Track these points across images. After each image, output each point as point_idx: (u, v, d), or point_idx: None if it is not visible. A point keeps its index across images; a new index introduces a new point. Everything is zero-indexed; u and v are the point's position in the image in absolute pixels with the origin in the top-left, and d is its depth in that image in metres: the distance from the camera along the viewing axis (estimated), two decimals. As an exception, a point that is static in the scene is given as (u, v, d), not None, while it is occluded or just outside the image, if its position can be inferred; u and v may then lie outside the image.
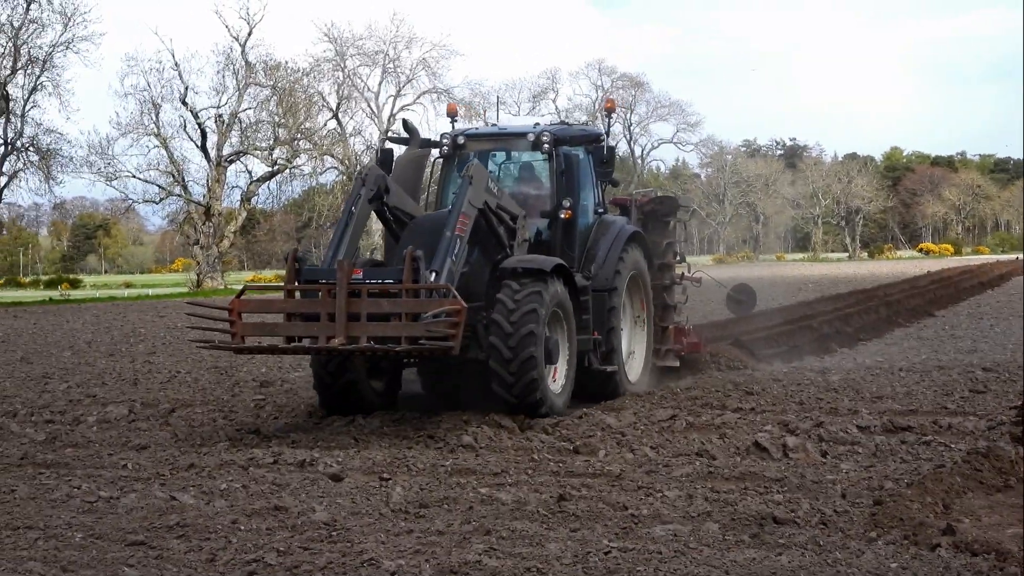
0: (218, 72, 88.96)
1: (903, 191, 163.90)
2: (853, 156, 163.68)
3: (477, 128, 21.09)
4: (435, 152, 20.05)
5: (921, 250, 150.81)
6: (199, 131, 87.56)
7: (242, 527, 11.20)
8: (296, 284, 16.62)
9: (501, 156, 20.29)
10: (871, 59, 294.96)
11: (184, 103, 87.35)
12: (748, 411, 17.52)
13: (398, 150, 20.07)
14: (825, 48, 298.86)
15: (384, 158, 19.30)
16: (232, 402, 19.87)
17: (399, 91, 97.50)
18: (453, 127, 20.62)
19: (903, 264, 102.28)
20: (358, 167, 23.10)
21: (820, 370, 23.54)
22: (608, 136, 20.46)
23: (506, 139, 20.28)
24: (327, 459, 14.43)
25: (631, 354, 20.69)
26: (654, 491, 12.44)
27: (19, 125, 77.68)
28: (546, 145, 19.26)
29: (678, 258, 22.90)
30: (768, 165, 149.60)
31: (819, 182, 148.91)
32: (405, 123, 20.43)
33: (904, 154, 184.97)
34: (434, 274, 16.20)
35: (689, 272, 23.55)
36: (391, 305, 16.04)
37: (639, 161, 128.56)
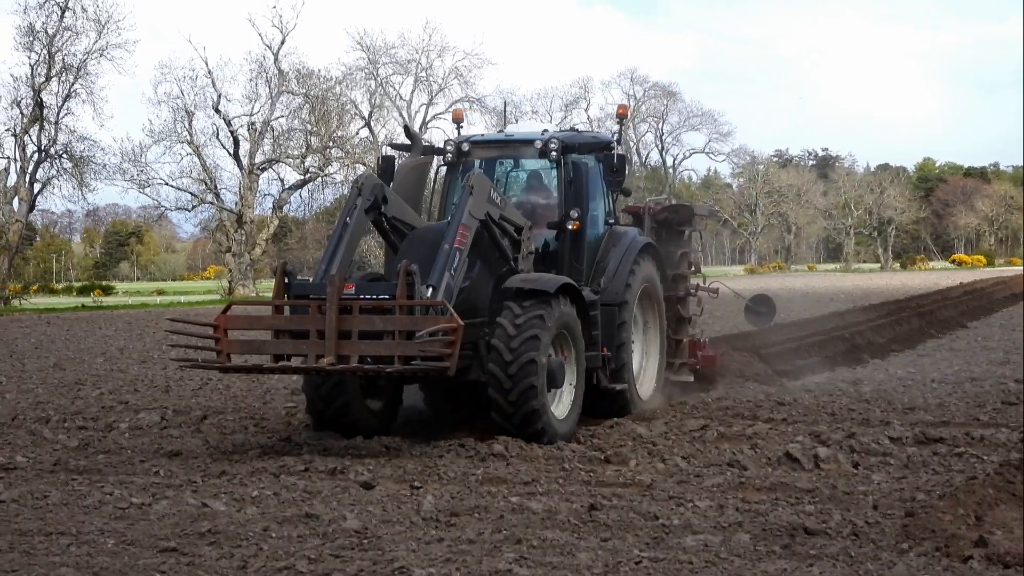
0: (251, 80, 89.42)
1: (936, 202, 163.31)
2: (885, 167, 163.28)
3: (483, 135, 20.36)
4: (438, 160, 19.30)
5: (953, 261, 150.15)
6: (232, 139, 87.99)
7: (273, 534, 11.22)
8: (284, 299, 15.79)
9: (507, 164, 19.56)
10: (904, 68, 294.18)
11: (217, 111, 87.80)
12: (779, 421, 17.48)
13: (400, 158, 19.42)
14: (858, 57, 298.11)
15: (385, 166, 18.59)
16: (263, 410, 19.92)
17: (431, 99, 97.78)
18: (459, 134, 19.92)
19: (935, 275, 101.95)
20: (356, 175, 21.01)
21: (852, 381, 23.49)
22: (619, 144, 19.54)
23: (512, 146, 19.32)
24: (358, 467, 14.46)
25: (643, 370, 19.90)
26: (685, 501, 12.42)
27: (53, 132, 78.04)
28: (554, 153, 18.41)
29: (693, 269, 22.17)
30: (800, 175, 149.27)
31: (851, 192, 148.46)
32: (407, 129, 19.93)
33: (937, 165, 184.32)
34: (431, 289, 15.32)
35: (704, 283, 22.85)
36: (384, 322, 15.20)
37: (671, 171, 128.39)
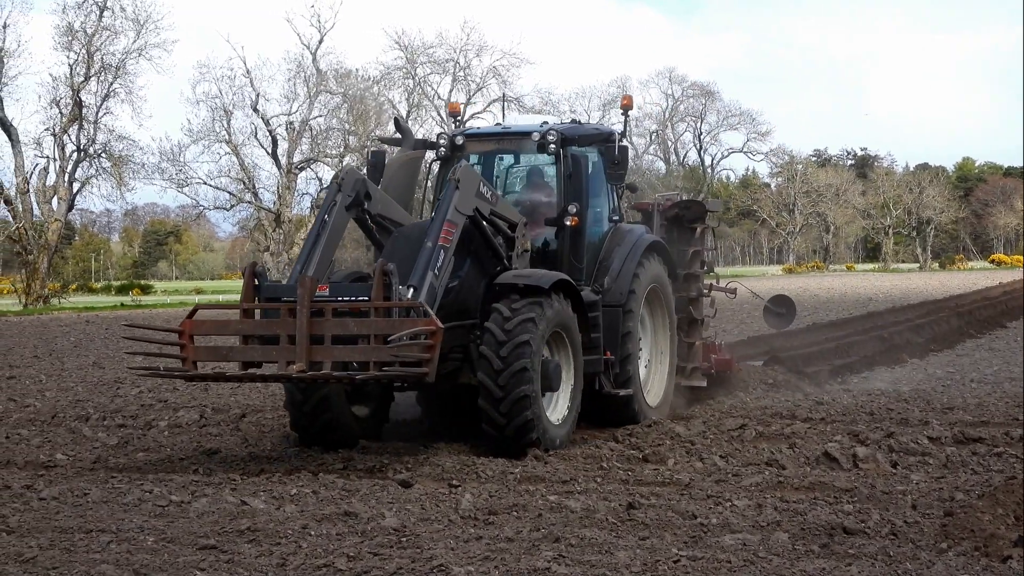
0: (289, 80, 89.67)
1: (975, 202, 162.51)
2: (924, 166, 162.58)
3: (478, 128, 19.32)
4: (431, 154, 18.22)
5: (993, 261, 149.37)
6: (270, 138, 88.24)
7: (312, 532, 11.25)
8: (254, 302, 14.82)
9: (506, 159, 18.60)
10: (943, 68, 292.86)
11: (255, 110, 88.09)
12: (818, 421, 17.44)
13: (391, 153, 18.54)
14: (897, 57, 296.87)
15: (375, 161, 17.72)
16: (302, 408, 19.91)
17: (469, 99, 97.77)
18: (456, 128, 19.01)
19: (974, 275, 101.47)
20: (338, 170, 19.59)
21: (891, 380, 23.42)
22: (624, 136, 18.48)
23: (509, 139, 18.27)
24: (396, 465, 14.49)
25: (651, 375, 18.86)
26: (723, 500, 12.41)
27: (92, 131, 78.59)
28: (552, 146, 17.28)
29: (706, 268, 21.10)
30: (839, 175, 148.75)
31: (890, 192, 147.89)
32: (397, 122, 18.81)
33: (976, 165, 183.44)
34: (412, 290, 14.40)
35: (718, 283, 21.99)
36: (359, 326, 14.24)
37: (709, 170, 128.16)
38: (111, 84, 78.89)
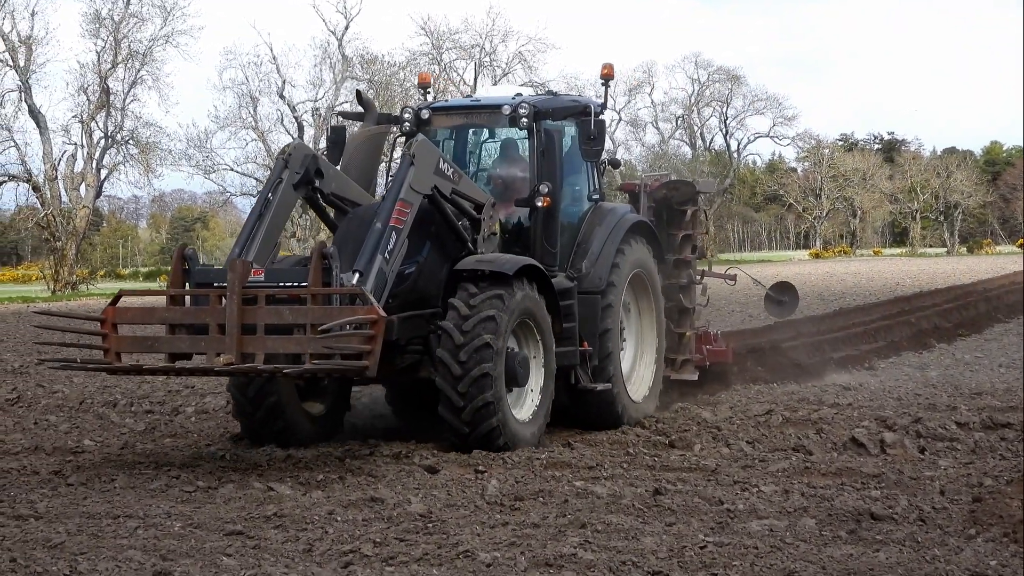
0: (315, 66, 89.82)
1: (1003, 186, 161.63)
2: (952, 150, 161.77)
3: (446, 100, 18.25)
4: (396, 129, 16.99)
5: (1021, 245, 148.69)
6: (296, 124, 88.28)
7: (338, 518, 11.27)
8: (182, 288, 13.85)
9: (476, 133, 17.34)
10: (971, 52, 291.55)
11: (281, 97, 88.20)
12: (845, 406, 17.37)
13: (352, 128, 17.28)
14: (924, 40, 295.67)
15: (335, 137, 16.58)
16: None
17: (495, 85, 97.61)
18: (426, 100, 17.84)
19: (1003, 260, 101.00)
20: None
21: (918, 366, 23.34)
22: (604, 109, 17.06)
23: (479, 113, 16.97)
24: (422, 451, 14.48)
25: (635, 368, 17.60)
26: (750, 486, 12.38)
27: (119, 118, 78.72)
28: (524, 119, 15.97)
29: (697, 253, 19.62)
30: (865, 159, 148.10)
31: (917, 176, 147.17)
32: (359, 95, 17.60)
33: (1004, 148, 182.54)
34: (357, 275, 13.38)
35: (711, 270, 20.71)
36: (294, 315, 13.17)
37: (735, 155, 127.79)
38: (138, 71, 79.06)
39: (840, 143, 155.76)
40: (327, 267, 13.28)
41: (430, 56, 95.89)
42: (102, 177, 78.54)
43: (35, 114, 75.70)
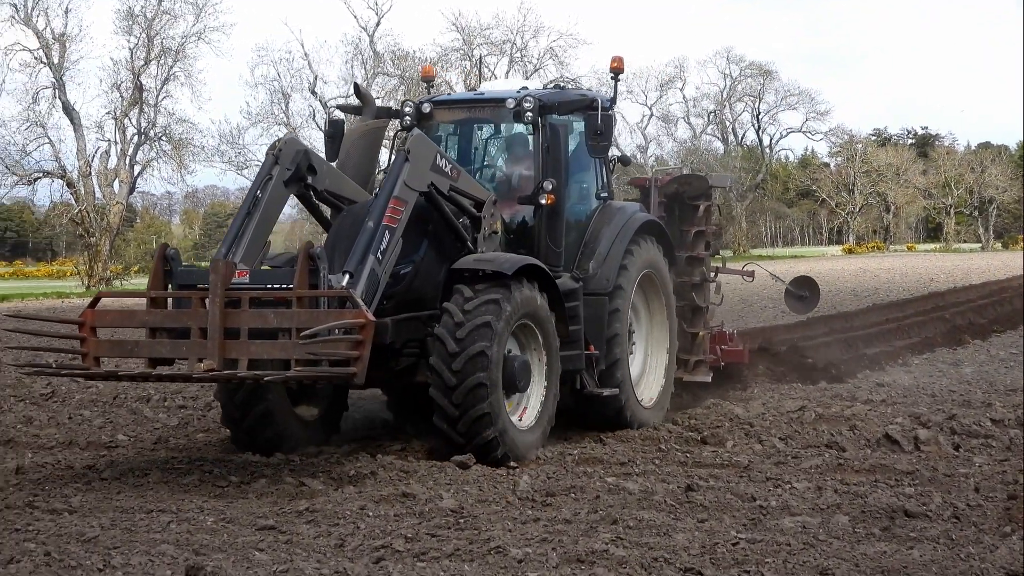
0: (346, 62, 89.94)
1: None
2: (986, 145, 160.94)
3: (448, 94, 17.91)
4: (396, 124, 16.47)
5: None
6: (328, 120, 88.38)
7: (370, 513, 11.28)
8: (164, 290, 13.22)
9: (478, 128, 16.71)
10: (1004, 46, 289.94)
11: (313, 93, 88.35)
12: (879, 403, 17.32)
13: (351, 122, 16.41)
14: (957, 34, 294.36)
15: (332, 131, 16.11)
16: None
17: (527, 80, 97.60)
18: (430, 94, 17.28)
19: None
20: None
21: (952, 362, 23.24)
22: (614, 103, 16.54)
23: (482, 107, 16.35)
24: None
25: (646, 372, 17.01)
26: (783, 482, 12.35)
27: (152, 115, 78.95)
28: (529, 114, 15.38)
29: (711, 250, 19.03)
30: (899, 154, 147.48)
31: (951, 171, 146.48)
32: (357, 88, 16.86)
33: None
34: (347, 277, 12.81)
35: (724, 267, 20.06)
36: (279, 318, 12.54)
37: (767, 151, 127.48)
38: (171, 67, 79.26)
39: (873, 138, 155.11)
40: (314, 268, 12.74)
41: (461, 52, 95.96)
42: (135, 173, 78.80)
43: (69, 111, 75.99)
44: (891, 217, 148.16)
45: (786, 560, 9.57)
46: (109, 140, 78.14)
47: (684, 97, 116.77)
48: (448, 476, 12.91)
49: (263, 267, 13.60)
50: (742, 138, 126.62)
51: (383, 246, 13.18)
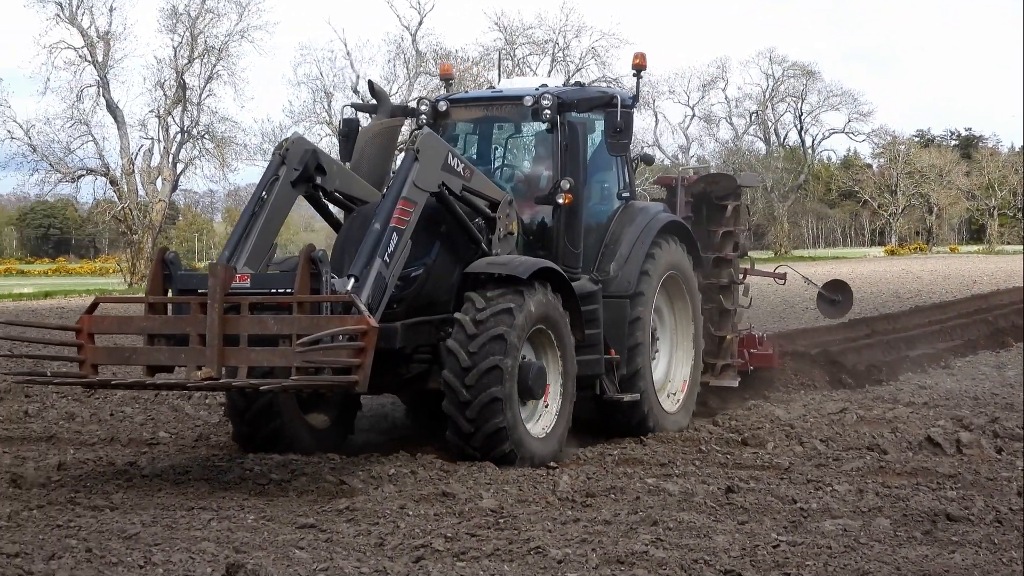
0: (389, 61, 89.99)
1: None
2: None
3: (466, 92, 17.62)
4: (411, 123, 16.11)
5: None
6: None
7: (410, 512, 11.29)
8: (162, 295, 12.87)
9: (495, 127, 16.28)
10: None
11: (355, 92, 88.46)
12: (920, 405, 17.24)
13: (365, 121, 16.26)
14: (1001, 34, 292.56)
15: (347, 130, 15.66)
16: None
17: (568, 80, 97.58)
18: (449, 91, 16.87)
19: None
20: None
21: (995, 365, 23.10)
22: (636, 100, 16.07)
23: (499, 105, 15.87)
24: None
25: (669, 376, 16.61)
26: (824, 485, 12.30)
27: (195, 113, 79.33)
28: (547, 111, 14.93)
29: (739, 251, 18.55)
30: (942, 155, 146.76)
31: (995, 173, 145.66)
32: (371, 85, 16.31)
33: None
34: (352, 280, 12.43)
35: (753, 268, 19.60)
36: (279, 324, 12.16)
37: (810, 151, 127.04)
38: (214, 66, 79.61)
39: (916, 139, 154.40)
40: (317, 272, 12.38)
41: (503, 52, 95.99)
42: (178, 171, 79.19)
43: (113, 109, 76.42)
44: (934, 219, 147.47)
45: (827, 563, 9.53)
46: (152, 138, 78.66)
47: (726, 97, 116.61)
48: (488, 476, 12.91)
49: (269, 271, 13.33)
50: (784, 139, 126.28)
51: (391, 248, 12.83)
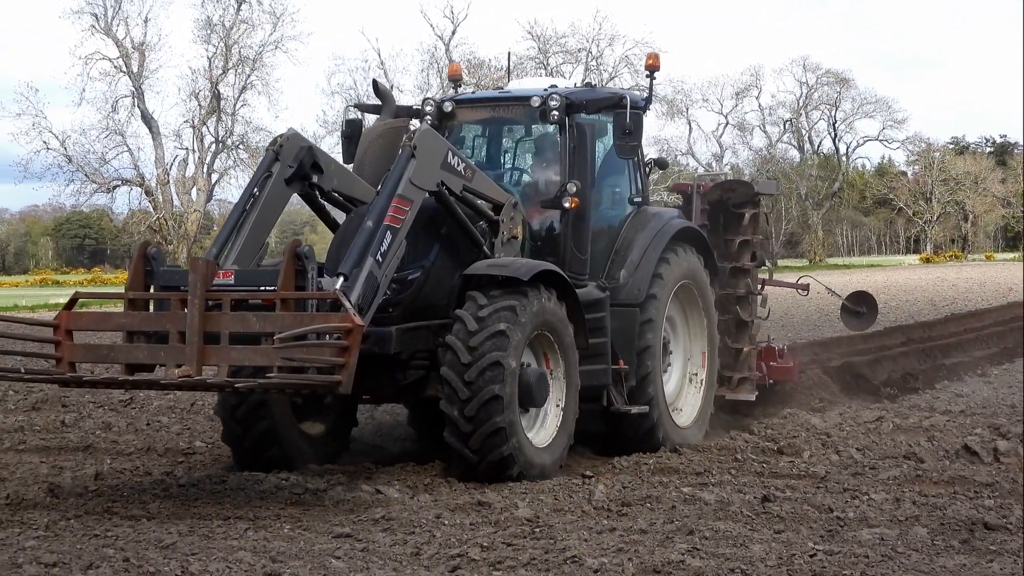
0: (422, 71, 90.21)
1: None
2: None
3: (472, 92, 17.04)
4: (416, 123, 15.33)
5: None
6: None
7: (446, 522, 11.29)
8: (144, 291, 12.40)
9: (502, 128, 15.81)
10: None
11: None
12: (957, 413, 17.16)
13: (369, 121, 15.92)
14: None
15: (350, 131, 15.33)
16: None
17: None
18: (457, 93, 16.35)
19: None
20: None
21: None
22: (649, 102, 15.98)
23: (506, 105, 15.44)
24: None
25: (683, 389, 16.11)
26: (860, 494, 12.25)
27: (229, 123, 79.71)
28: (555, 113, 14.53)
29: (757, 261, 17.89)
30: (977, 162, 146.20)
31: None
32: (376, 85, 15.96)
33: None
34: (341, 279, 11.97)
35: (771, 279, 18.95)
36: (261, 322, 11.75)
37: (843, 159, 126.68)
38: (248, 76, 79.97)
39: (951, 146, 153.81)
40: (302, 268, 11.95)
41: (536, 61, 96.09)
42: (213, 181, 79.55)
43: (147, 119, 76.83)
44: (969, 226, 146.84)
45: (864, 572, 9.50)
46: (187, 148, 79.09)
47: (760, 105, 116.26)
48: (524, 485, 12.90)
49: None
50: (818, 146, 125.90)
51: (383, 247, 12.37)
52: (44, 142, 74.70)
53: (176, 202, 77.91)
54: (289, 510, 11.88)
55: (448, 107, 15.23)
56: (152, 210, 77.22)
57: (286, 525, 11.25)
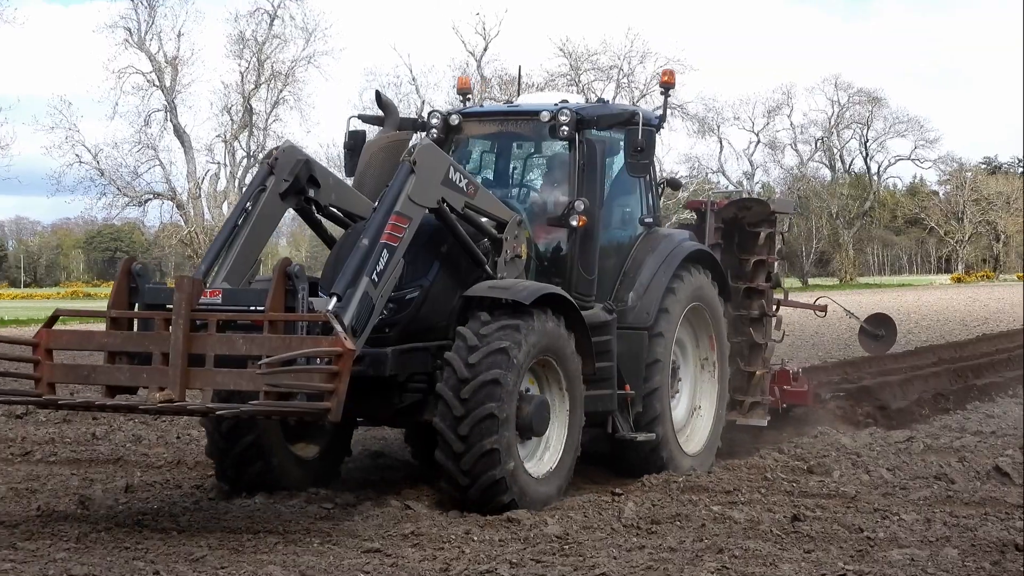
0: (454, 87, 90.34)
1: None
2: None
3: (480, 106, 16.76)
4: (420, 137, 14.84)
5: None
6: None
7: (475, 537, 11.29)
8: (128, 309, 11.81)
9: (511, 143, 15.32)
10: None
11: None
12: (988, 434, 17.10)
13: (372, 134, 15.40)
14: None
15: (352, 143, 14.88)
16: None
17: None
18: (466, 106, 15.88)
19: None
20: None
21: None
22: (664, 120, 15.52)
23: (515, 120, 14.86)
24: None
25: (693, 415, 15.61)
26: (891, 514, 12.21)
27: (261, 138, 79.96)
28: (565, 128, 13.97)
29: (772, 282, 17.37)
30: (1009, 183, 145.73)
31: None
32: (378, 96, 15.38)
33: None
34: (334, 299, 11.38)
35: (786, 299, 18.38)
36: (248, 344, 11.16)
37: (875, 178, 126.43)
38: (280, 91, 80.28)
39: (983, 166, 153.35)
40: (293, 288, 11.38)
41: (568, 78, 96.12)
42: (245, 196, 79.83)
43: (180, 133, 77.17)
44: (1001, 246, 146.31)
45: (894, 593, 9.47)
46: (219, 162, 79.49)
47: (791, 124, 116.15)
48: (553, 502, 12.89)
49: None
50: (850, 165, 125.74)
51: (380, 267, 11.80)
52: (77, 155, 75.08)
53: (207, 216, 78.20)
54: (319, 524, 11.89)
55: (455, 120, 14.79)
56: (183, 224, 77.55)
57: (316, 539, 11.26)
